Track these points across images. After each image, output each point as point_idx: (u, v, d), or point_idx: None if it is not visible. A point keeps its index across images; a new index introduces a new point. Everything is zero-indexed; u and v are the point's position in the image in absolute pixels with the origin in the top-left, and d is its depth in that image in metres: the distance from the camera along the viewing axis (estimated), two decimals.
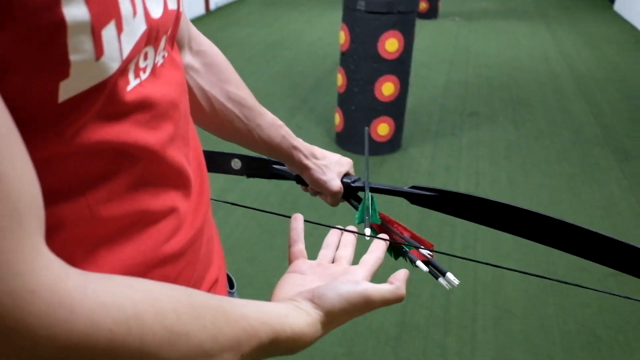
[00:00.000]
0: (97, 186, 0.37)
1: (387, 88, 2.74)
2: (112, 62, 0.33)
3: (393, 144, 2.95)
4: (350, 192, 0.82)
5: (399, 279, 0.50)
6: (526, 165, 2.87)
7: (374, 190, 0.80)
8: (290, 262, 0.57)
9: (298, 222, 0.61)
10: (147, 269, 0.42)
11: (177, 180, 0.44)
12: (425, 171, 2.80)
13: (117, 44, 0.33)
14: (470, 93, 3.86)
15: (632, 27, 6.05)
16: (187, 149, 0.47)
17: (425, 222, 2.32)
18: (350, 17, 2.64)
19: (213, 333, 0.35)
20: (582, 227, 0.62)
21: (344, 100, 2.87)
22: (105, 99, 0.34)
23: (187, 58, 0.64)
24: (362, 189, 0.82)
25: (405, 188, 0.76)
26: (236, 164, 0.88)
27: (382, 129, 2.86)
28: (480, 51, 4.92)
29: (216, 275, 0.56)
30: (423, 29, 5.47)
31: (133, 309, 0.31)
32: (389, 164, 2.85)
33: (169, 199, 0.44)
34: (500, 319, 1.84)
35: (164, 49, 0.42)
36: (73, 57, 0.30)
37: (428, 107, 3.58)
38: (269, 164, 0.87)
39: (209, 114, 0.66)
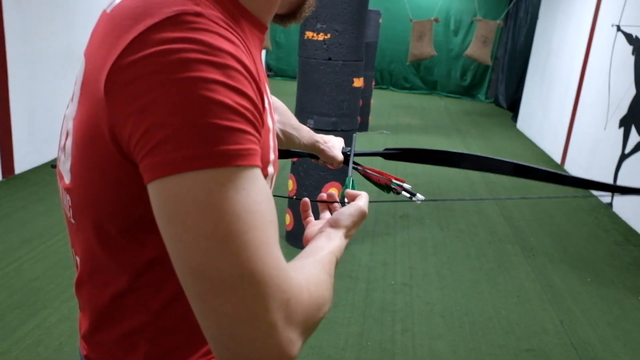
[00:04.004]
0: None
1: None
2: None
3: None
4: (347, 158, 1.24)
5: (355, 194, 0.83)
6: (451, 260, 3.31)
7: (360, 154, 1.23)
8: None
9: (306, 204, 0.90)
10: None
11: None
12: (365, 265, 3.16)
13: None
14: (400, 198, 4.36)
15: (531, 143, 7.03)
16: None
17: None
18: None
19: (327, 271, 0.65)
20: (486, 156, 1.07)
21: (294, 203, 3.24)
22: None
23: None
24: (356, 155, 1.24)
25: (380, 150, 1.20)
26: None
27: None
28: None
29: None
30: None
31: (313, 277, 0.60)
32: None
33: None
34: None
35: None
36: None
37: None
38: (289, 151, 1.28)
39: (284, 142, 1.11)
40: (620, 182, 4.39)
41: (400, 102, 9.63)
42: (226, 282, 0.49)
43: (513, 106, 9.00)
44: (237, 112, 0.50)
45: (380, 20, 6.72)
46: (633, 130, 4.27)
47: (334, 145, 1.22)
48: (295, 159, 3.18)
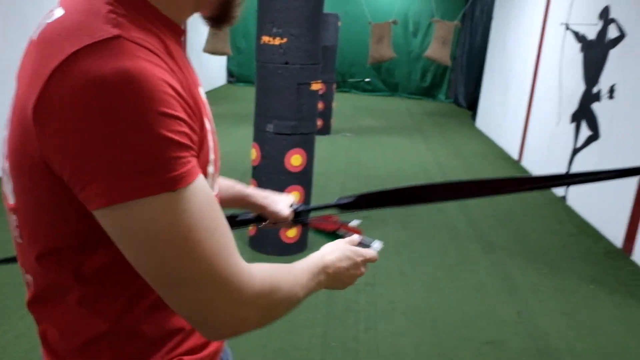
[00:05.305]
0: None
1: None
2: None
3: (300, 245, 3.33)
4: (297, 215, 1.18)
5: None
6: (413, 259, 3.36)
7: (311, 209, 1.19)
8: None
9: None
10: None
11: None
12: None
13: None
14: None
15: (490, 140, 7.21)
16: None
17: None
18: (260, 137, 3.10)
19: (299, 280, 0.75)
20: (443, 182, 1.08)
21: None
22: None
23: None
24: (305, 211, 1.19)
25: (333, 202, 1.16)
26: None
27: (291, 232, 3.25)
28: (369, 163, 5.63)
29: None
30: (318, 143, 6.10)
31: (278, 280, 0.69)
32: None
33: None
34: None
35: None
36: None
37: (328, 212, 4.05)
38: (234, 219, 1.17)
39: None
40: None
41: (362, 104, 9.72)
42: (189, 281, 0.58)
43: (472, 105, 9.20)
44: (173, 142, 0.54)
45: (340, 24, 6.78)
46: (583, 124, 4.43)
47: (275, 200, 1.14)
48: (255, 164, 3.19)
